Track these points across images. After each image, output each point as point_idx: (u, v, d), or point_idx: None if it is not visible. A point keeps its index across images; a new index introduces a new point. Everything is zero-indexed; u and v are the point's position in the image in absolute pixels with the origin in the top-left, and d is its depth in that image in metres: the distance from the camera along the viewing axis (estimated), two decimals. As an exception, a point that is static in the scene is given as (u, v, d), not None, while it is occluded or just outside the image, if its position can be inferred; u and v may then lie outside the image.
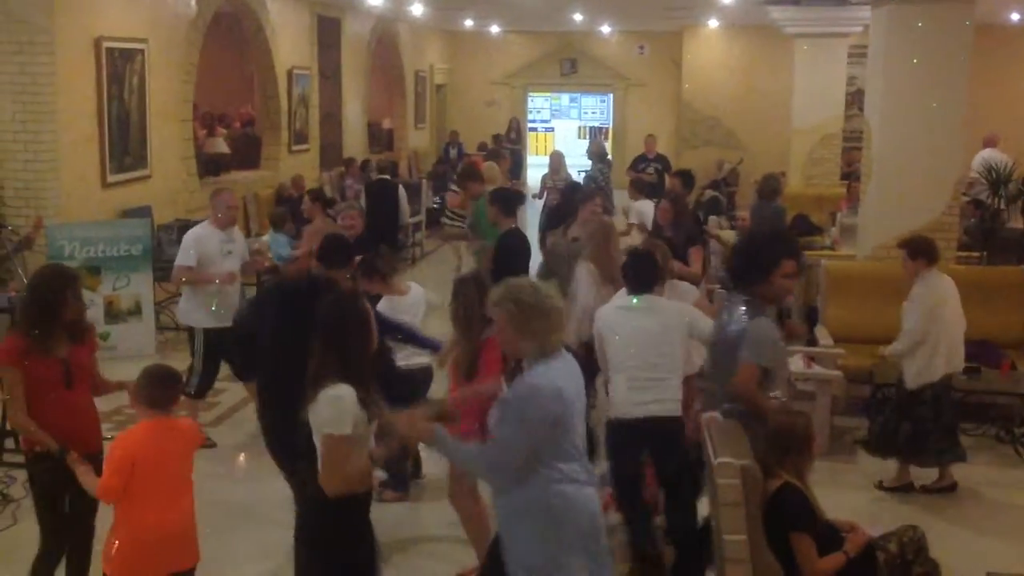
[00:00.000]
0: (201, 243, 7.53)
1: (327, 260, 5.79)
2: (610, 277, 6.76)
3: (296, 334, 4.24)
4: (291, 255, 9.75)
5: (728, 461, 4.31)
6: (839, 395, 7.77)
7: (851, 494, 6.64)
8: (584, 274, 7.01)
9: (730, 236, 11.34)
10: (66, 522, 4.68)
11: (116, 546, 4.17)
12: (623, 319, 5.52)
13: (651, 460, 5.56)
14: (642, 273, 5.64)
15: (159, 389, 4.28)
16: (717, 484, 4.33)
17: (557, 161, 14.67)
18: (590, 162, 14.80)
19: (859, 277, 9.04)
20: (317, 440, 3.83)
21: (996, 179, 12.06)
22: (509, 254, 7.77)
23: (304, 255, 8.72)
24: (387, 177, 13.77)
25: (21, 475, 6.14)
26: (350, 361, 3.83)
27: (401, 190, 13.58)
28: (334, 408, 3.74)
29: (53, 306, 4.57)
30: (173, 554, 4.27)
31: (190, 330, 7.63)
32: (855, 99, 18.03)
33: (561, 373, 3.80)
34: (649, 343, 5.41)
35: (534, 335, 3.78)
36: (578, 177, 14.56)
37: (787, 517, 4.34)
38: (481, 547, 5.22)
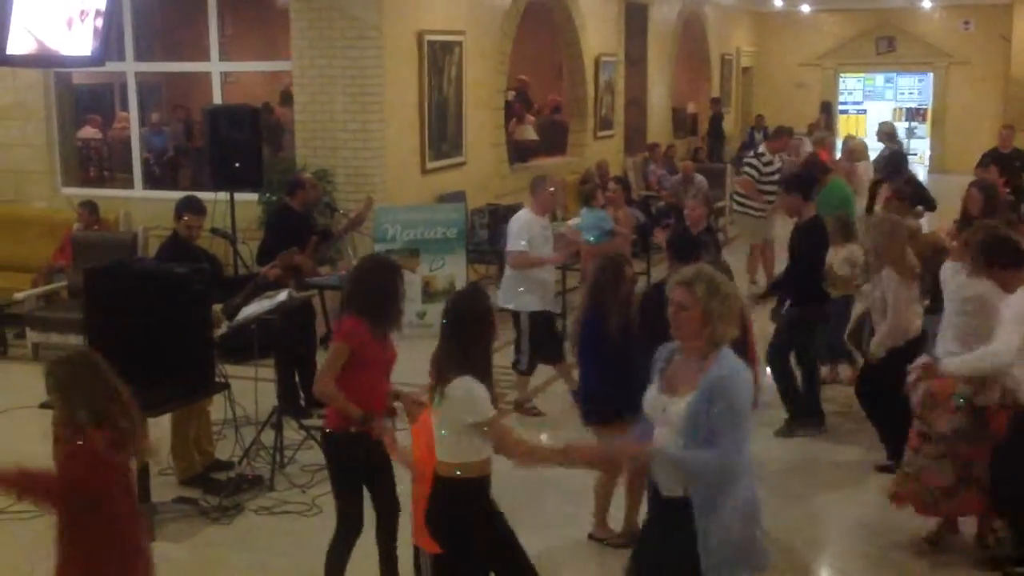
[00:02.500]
0: (529, 228, 7.80)
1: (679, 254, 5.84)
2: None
3: None
4: (612, 230, 9.29)
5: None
6: None
7: None
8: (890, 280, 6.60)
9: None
10: (360, 503, 4.85)
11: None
12: None
13: None
14: None
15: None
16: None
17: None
18: (881, 144, 14.17)
19: None
20: (448, 430, 4.03)
21: None
22: (809, 244, 7.47)
23: (625, 239, 8.98)
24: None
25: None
26: (471, 354, 4.02)
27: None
28: (471, 398, 3.96)
29: (381, 295, 4.72)
30: None
31: (515, 314, 7.91)
32: None
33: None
34: None
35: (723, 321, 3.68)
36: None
37: None
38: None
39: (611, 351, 5.44)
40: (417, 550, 4.44)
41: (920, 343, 6.47)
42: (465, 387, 3.97)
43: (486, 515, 4.22)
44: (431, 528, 4.13)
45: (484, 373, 4.05)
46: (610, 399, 5.34)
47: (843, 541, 6.04)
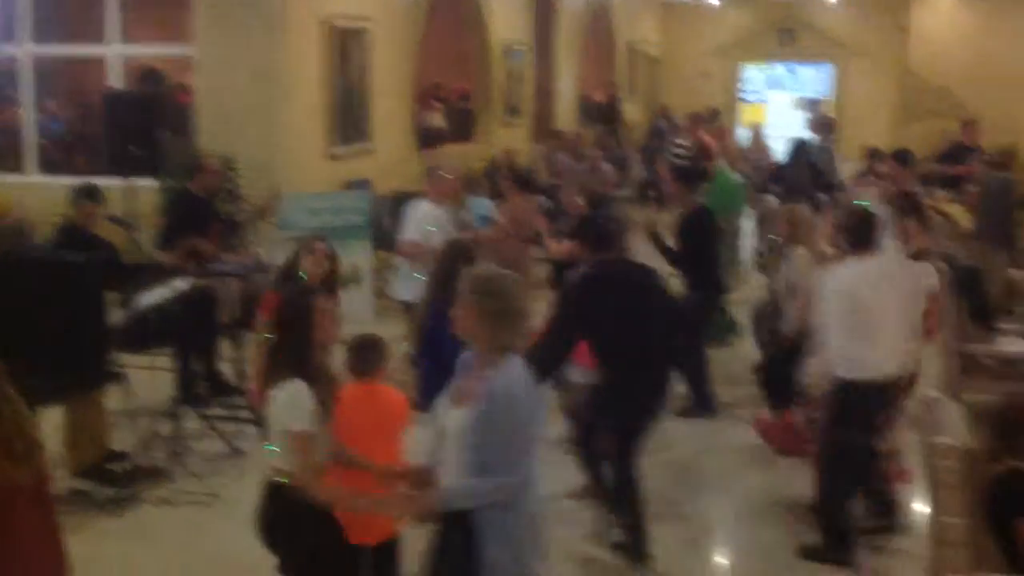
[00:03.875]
0: (424, 217, 7.78)
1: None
2: None
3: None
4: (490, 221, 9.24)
5: (948, 442, 4.14)
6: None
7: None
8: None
9: (958, 211, 10.78)
10: None
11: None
12: None
13: None
14: None
15: (362, 357, 4.40)
16: (936, 466, 4.17)
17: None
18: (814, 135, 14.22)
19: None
20: (275, 436, 3.88)
21: None
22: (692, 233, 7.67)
23: (501, 230, 8.55)
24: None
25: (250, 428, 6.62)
26: (303, 357, 3.88)
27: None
28: (292, 404, 3.79)
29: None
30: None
31: (411, 305, 7.86)
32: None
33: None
34: None
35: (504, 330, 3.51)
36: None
37: (1012, 504, 4.13)
38: None
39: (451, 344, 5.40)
40: (352, 544, 4.32)
41: None
42: (289, 392, 3.82)
43: (320, 530, 4.02)
44: (259, 530, 4.05)
45: (315, 377, 3.89)
46: None
47: (743, 519, 6.20)
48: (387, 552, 4.42)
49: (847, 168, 11.15)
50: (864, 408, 5.31)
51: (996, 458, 4.25)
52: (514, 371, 3.46)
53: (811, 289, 6.54)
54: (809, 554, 5.50)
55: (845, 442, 5.33)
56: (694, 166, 8.93)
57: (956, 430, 4.29)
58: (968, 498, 4.11)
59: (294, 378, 3.85)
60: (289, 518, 3.95)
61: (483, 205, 9.44)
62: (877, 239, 5.46)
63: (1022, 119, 16.10)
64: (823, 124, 13.91)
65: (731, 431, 7.44)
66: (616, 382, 5.31)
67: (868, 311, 5.24)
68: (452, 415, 3.53)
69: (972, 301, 6.87)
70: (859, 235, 5.41)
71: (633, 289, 5.43)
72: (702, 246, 7.64)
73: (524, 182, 9.64)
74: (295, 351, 3.92)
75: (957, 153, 12.20)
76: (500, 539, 3.45)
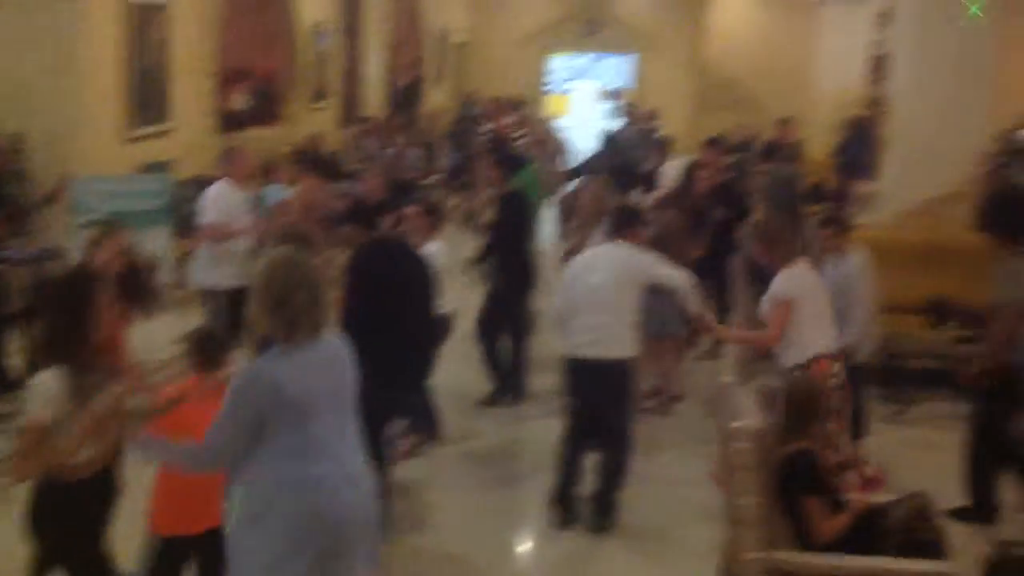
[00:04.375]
0: (222, 200, 7.58)
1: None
2: None
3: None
4: (275, 206, 9.07)
5: (743, 425, 4.36)
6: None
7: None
8: None
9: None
10: None
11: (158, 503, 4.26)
12: None
13: None
14: None
15: (202, 350, 4.29)
16: (732, 448, 4.39)
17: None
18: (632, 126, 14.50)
19: (879, 244, 9.02)
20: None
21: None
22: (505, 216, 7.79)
23: (293, 213, 8.34)
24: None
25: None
26: (68, 343, 3.82)
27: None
28: (37, 393, 3.77)
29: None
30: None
31: (211, 292, 7.64)
32: (877, 65, 17.86)
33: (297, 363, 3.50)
34: None
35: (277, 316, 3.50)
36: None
37: (798, 482, 4.41)
38: None
39: None
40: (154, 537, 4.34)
41: None
42: (43, 379, 3.75)
43: (82, 526, 4.03)
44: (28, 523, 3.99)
45: (83, 367, 3.81)
46: None
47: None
48: (211, 542, 4.30)
49: (678, 164, 11.36)
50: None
51: (785, 439, 4.53)
52: (262, 365, 3.48)
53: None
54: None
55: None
56: (513, 152, 9.06)
57: (750, 413, 4.51)
58: (761, 479, 4.34)
59: (58, 365, 3.75)
60: (49, 510, 3.91)
61: (279, 192, 9.26)
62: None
63: (807, 114, 17.00)
64: (637, 114, 14.34)
65: (540, 419, 7.59)
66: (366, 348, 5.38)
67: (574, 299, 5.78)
68: None
69: (763, 290, 7.21)
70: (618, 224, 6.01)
71: (398, 267, 5.59)
72: (516, 232, 7.74)
73: (315, 164, 9.44)
74: (59, 337, 3.81)
75: (773, 150, 12.80)
76: (255, 534, 3.46)
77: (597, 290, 5.74)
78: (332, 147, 15.81)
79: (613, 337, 5.73)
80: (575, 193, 9.65)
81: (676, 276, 5.95)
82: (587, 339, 5.73)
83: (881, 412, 7.31)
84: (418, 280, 5.67)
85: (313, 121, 15.53)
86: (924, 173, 8.98)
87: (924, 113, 9.02)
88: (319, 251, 5.75)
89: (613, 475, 5.87)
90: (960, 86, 8.85)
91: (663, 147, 13.01)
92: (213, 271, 7.58)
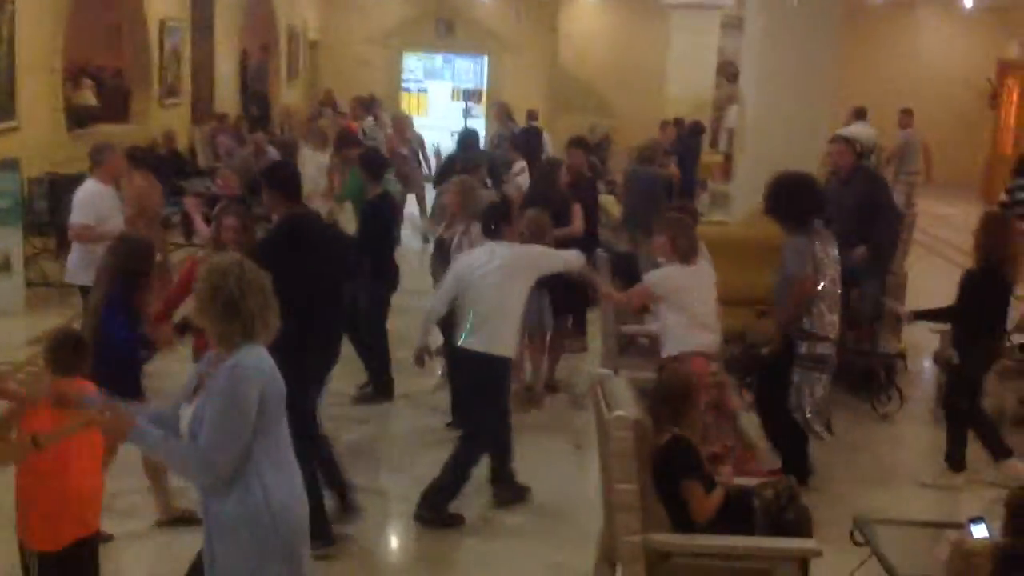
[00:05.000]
0: (94, 200, 7.39)
1: None
2: None
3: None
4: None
5: (622, 415, 4.54)
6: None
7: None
8: None
9: (608, 200, 11.66)
10: None
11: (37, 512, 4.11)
12: None
13: None
14: None
15: (71, 354, 4.21)
16: (611, 437, 4.56)
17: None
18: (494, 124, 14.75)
19: (731, 242, 9.41)
20: None
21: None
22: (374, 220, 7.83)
23: (130, 217, 8.02)
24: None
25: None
26: None
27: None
28: None
29: None
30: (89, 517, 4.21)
31: (87, 289, 7.43)
32: (724, 69, 18.56)
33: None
34: None
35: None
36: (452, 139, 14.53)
37: (677, 467, 4.63)
38: None
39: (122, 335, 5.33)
40: (23, 550, 4.14)
41: None
42: None
43: None
44: None
45: None
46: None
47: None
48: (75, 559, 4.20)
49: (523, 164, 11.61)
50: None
51: (659, 428, 4.74)
52: (251, 355, 3.40)
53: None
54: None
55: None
56: (378, 154, 9.07)
57: (626, 403, 4.70)
58: (638, 466, 4.53)
59: None
60: None
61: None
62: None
63: (654, 115, 17.51)
64: (505, 113, 14.53)
65: (408, 415, 7.69)
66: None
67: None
68: (186, 412, 3.47)
69: (627, 284, 7.45)
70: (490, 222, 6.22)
71: (318, 242, 5.64)
72: (384, 233, 7.78)
73: (146, 161, 9.13)
74: None
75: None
76: (228, 537, 3.42)
77: (486, 287, 5.87)
78: (185, 144, 15.52)
79: (498, 334, 5.90)
80: (442, 191, 9.72)
81: (565, 257, 6.33)
82: (474, 333, 5.89)
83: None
84: None
85: (165, 118, 15.16)
86: (771, 175, 9.40)
87: (770, 119, 9.47)
88: (159, 250, 5.70)
89: (458, 466, 5.95)
90: (804, 94, 9.34)
91: (532, 144, 13.48)
92: (87, 270, 7.39)
